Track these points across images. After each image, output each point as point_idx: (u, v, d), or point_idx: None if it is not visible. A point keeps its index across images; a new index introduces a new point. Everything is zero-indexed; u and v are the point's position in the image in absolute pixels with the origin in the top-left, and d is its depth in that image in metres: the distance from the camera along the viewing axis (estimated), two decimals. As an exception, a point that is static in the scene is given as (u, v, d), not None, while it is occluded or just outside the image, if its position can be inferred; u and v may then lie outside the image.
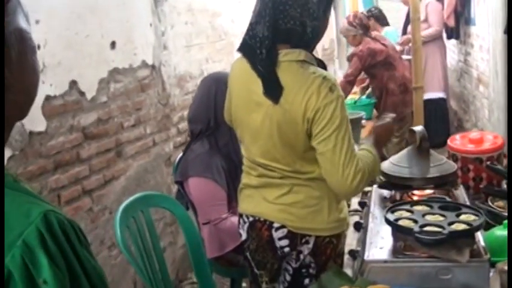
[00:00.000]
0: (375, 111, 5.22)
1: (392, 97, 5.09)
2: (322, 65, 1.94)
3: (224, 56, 4.42)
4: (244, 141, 2.06)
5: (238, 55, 1.99)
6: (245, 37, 1.91)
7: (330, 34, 8.36)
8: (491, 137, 2.62)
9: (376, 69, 4.98)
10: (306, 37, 1.85)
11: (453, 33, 6.28)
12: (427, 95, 6.11)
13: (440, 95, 6.33)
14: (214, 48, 4.47)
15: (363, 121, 4.56)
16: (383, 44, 4.98)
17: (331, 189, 1.92)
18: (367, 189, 2.49)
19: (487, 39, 4.88)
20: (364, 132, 4.51)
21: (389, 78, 5.07)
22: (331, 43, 8.41)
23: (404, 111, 5.06)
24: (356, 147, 1.97)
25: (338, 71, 7.53)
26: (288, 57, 1.86)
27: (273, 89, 1.84)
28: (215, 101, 2.63)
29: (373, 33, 5.05)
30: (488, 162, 2.01)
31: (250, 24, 1.88)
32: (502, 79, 4.32)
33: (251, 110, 1.94)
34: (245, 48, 1.92)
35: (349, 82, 4.96)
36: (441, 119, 6.32)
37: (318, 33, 1.88)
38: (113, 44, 3.16)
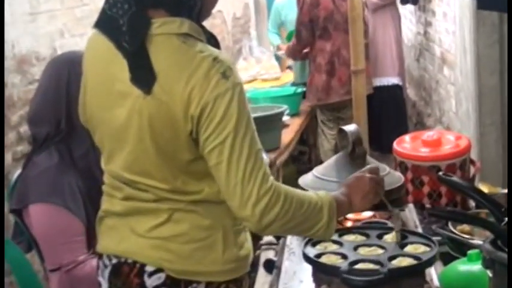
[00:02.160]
0: (304, 101, 5.32)
1: (316, 77, 5.25)
2: (214, 41, 1.94)
3: (87, 28, 4.32)
4: (104, 148, 2.04)
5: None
6: (104, 7, 1.91)
7: (245, -4, 8.40)
8: (452, 138, 2.71)
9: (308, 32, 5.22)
10: None
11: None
12: (377, 81, 6.25)
13: (394, 80, 6.50)
14: (74, 17, 4.39)
15: (286, 118, 4.61)
16: (333, 1, 5.14)
17: (228, 216, 1.92)
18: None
19: (453, 4, 5.06)
20: (287, 134, 4.56)
21: (320, 50, 5.23)
22: (246, 9, 8.46)
23: (326, 100, 5.24)
24: (265, 156, 1.97)
25: (256, 49, 7.56)
26: (164, 29, 1.86)
27: (143, 73, 1.83)
28: (68, 93, 2.58)
29: None
30: (441, 173, 2.05)
31: None
32: (471, 58, 4.49)
33: (113, 104, 1.92)
34: (105, 22, 1.91)
35: (297, 36, 5.32)
36: (396, 114, 6.49)
37: None
38: None
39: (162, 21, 1.86)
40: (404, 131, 6.17)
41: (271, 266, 2.18)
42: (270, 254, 2.33)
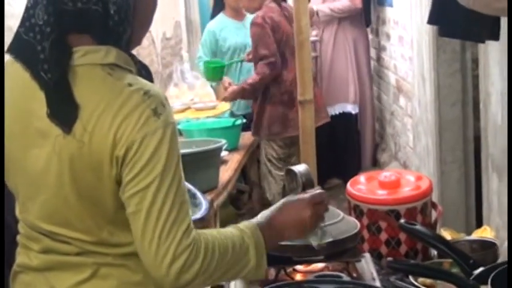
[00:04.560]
0: (244, 135, 5.33)
1: (269, 110, 5.27)
2: (146, 72, 1.95)
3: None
4: (18, 194, 2.01)
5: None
6: (19, 30, 1.88)
7: (175, 15, 8.41)
8: (412, 178, 2.74)
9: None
10: (112, 23, 1.85)
11: (361, 17, 6.58)
12: (331, 109, 6.28)
13: (348, 108, 6.53)
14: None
15: (224, 154, 4.60)
16: (290, 23, 5.22)
17: None
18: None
19: (410, 28, 5.15)
20: (225, 171, 4.55)
21: (275, 79, 5.27)
22: (177, 29, 8.45)
23: (283, 134, 5.27)
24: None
25: (188, 74, 7.56)
26: (88, 59, 1.84)
27: (64, 109, 1.81)
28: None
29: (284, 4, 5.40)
30: (402, 220, 2.06)
31: (27, 9, 1.87)
32: (430, 88, 4.56)
33: (30, 144, 1.89)
34: (20, 46, 1.90)
35: (270, 64, 5.27)
36: (351, 148, 6.53)
37: (128, 15, 1.88)
38: None
39: (85, 50, 1.85)
40: (358, 168, 6.23)
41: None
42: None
